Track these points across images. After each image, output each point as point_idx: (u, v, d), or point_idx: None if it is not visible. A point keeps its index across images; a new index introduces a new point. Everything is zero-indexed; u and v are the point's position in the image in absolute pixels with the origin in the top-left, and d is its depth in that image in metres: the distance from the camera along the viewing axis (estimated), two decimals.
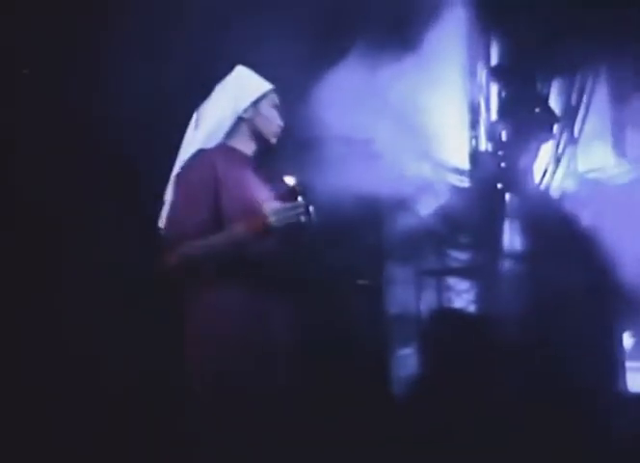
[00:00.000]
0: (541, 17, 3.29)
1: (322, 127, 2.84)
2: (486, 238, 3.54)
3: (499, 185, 3.49)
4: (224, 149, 1.99)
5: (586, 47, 3.24)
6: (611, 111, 3.47)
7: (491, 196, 3.49)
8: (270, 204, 1.88)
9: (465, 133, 3.59)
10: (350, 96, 3.13)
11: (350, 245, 3.19)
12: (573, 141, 3.44)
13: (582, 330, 3.23)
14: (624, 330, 3.47)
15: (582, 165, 3.51)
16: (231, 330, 1.85)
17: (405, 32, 3.26)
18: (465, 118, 3.56)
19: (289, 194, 1.88)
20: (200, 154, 1.95)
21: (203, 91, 2.16)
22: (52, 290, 2.61)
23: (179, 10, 2.74)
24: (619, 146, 3.46)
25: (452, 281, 3.60)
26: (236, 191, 1.92)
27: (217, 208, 1.88)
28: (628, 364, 3.44)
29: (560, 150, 3.41)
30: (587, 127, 3.44)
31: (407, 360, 3.43)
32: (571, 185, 3.47)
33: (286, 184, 1.90)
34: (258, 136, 2.03)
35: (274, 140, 2.04)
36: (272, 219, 1.83)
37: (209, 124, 2.00)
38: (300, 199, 1.86)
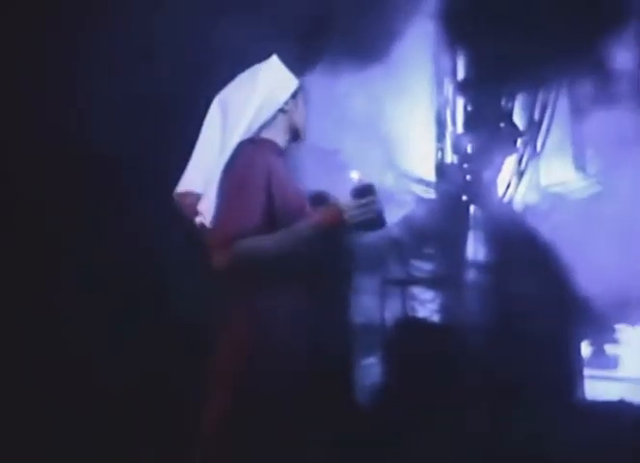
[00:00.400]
0: (506, 33, 3.36)
1: None
2: (450, 249, 3.60)
3: (464, 197, 3.56)
4: (264, 142, 1.93)
5: (548, 63, 3.32)
6: (572, 127, 3.56)
7: (455, 207, 3.55)
8: (345, 199, 1.79)
9: (431, 145, 3.65)
10: (316, 107, 3.15)
11: None
12: (535, 155, 3.52)
13: (543, 339, 3.30)
14: (582, 339, 3.55)
15: (544, 179, 3.59)
16: (288, 331, 1.78)
17: (373, 44, 3.31)
18: (431, 130, 3.62)
19: (358, 191, 1.81)
20: (249, 147, 1.86)
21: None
22: (52, 290, 2.58)
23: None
24: (579, 161, 3.55)
25: (416, 290, 3.64)
26: (285, 186, 1.84)
27: (269, 204, 1.79)
28: (586, 371, 3.53)
29: (523, 164, 3.49)
30: (549, 142, 3.52)
31: (371, 369, 3.46)
32: (533, 198, 3.55)
33: (355, 180, 1.86)
34: (293, 129, 1.99)
35: (304, 134, 2.01)
36: (348, 214, 1.76)
37: (248, 114, 1.91)
38: (372, 196, 1.79)
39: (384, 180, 3.41)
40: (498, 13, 3.35)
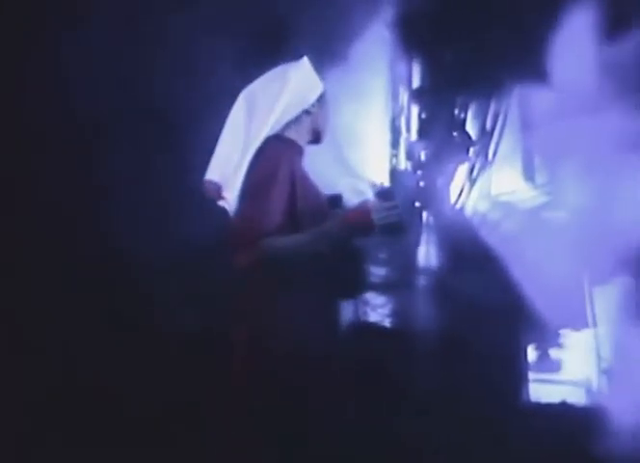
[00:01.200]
0: (461, 43, 3.43)
1: None
2: (402, 254, 3.65)
3: (417, 203, 3.60)
4: (286, 141, 1.95)
5: (501, 73, 3.40)
6: (522, 137, 3.65)
7: (408, 213, 3.59)
8: (372, 202, 1.80)
9: (385, 151, 3.68)
10: None
11: None
12: (486, 164, 3.59)
13: (491, 344, 3.37)
14: (528, 344, 3.65)
15: (495, 188, 3.67)
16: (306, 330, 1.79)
17: (329, 50, 3.32)
18: (386, 136, 3.66)
19: (382, 194, 1.83)
20: (276, 144, 1.89)
21: None
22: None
23: None
24: (528, 171, 3.65)
25: (368, 295, 3.67)
26: (307, 187, 1.87)
27: (291, 204, 1.82)
28: (531, 375, 3.63)
29: (475, 173, 3.56)
30: (500, 152, 3.60)
31: None
32: (484, 206, 3.62)
33: (376, 185, 1.86)
34: (315, 131, 2.03)
35: (325, 136, 2.06)
36: (376, 216, 1.77)
37: (277, 112, 1.93)
38: (394, 201, 1.81)
39: (337, 185, 3.43)
40: (454, 23, 3.41)
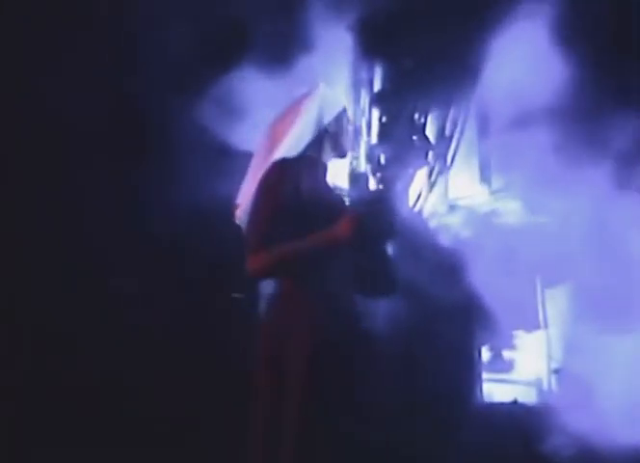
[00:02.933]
0: (422, 48, 3.48)
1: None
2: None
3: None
4: (303, 158, 2.09)
5: (461, 79, 3.45)
6: (479, 144, 3.72)
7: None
8: (360, 208, 1.90)
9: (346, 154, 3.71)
10: (233, 112, 3.17)
11: (231, 258, 3.22)
12: (445, 169, 3.65)
13: (445, 344, 3.44)
14: (482, 344, 3.73)
15: (452, 192, 3.73)
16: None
17: (291, 52, 3.33)
18: None
19: (368, 201, 1.91)
20: (279, 164, 2.02)
21: None
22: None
23: None
24: (485, 176, 3.72)
25: None
26: (318, 195, 1.99)
27: (302, 214, 1.93)
28: (485, 375, 3.71)
29: (433, 177, 3.61)
30: (458, 157, 3.66)
31: None
32: (441, 210, 3.68)
33: (370, 190, 1.91)
34: (338, 148, 2.18)
35: (348, 152, 2.23)
36: (359, 226, 1.86)
37: (290, 138, 2.09)
38: (380, 205, 1.88)
39: None
40: (415, 27, 3.45)
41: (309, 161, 2.11)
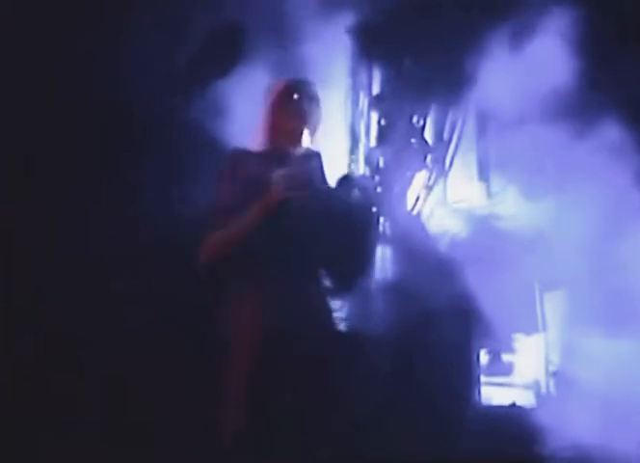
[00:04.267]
0: (421, 51, 3.48)
1: None
2: None
3: (374, 209, 3.63)
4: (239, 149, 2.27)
5: (460, 82, 3.46)
6: (478, 147, 3.72)
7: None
8: (277, 173, 1.98)
9: (344, 156, 3.71)
10: (230, 113, 3.17)
11: None
12: (443, 172, 3.64)
13: (445, 348, 3.44)
14: (481, 347, 3.72)
15: (451, 195, 3.73)
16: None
17: (289, 56, 3.34)
18: (345, 142, 3.68)
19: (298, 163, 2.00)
20: (228, 155, 2.23)
21: None
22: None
23: None
24: (483, 180, 3.72)
25: None
26: (253, 178, 2.08)
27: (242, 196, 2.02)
28: (483, 379, 3.70)
29: (432, 180, 3.61)
30: (456, 161, 3.66)
31: None
32: (440, 213, 3.68)
33: (296, 155, 1.95)
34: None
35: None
36: (280, 188, 1.95)
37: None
38: (306, 166, 1.99)
39: None
40: (415, 29, 3.46)
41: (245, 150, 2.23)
